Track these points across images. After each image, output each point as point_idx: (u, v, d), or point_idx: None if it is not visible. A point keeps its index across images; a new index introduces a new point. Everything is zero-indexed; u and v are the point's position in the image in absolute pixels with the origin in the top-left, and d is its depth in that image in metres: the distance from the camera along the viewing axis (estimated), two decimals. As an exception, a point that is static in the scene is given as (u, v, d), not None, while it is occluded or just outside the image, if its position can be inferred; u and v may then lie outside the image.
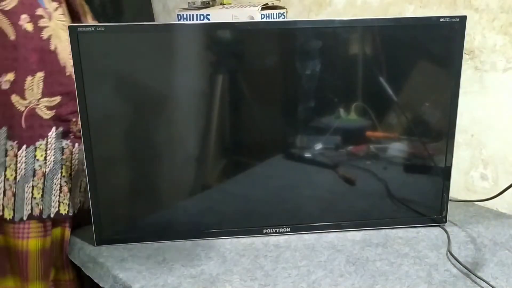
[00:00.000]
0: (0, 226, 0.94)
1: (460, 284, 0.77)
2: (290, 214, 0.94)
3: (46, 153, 0.92)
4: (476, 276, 0.79)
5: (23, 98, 0.90)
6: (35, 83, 0.90)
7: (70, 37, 0.81)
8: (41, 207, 0.92)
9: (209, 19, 1.27)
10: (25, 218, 0.92)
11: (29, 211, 0.92)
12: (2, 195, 0.92)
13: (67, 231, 0.96)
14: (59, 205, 0.94)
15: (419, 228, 0.96)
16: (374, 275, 0.80)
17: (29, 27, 0.89)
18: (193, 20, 1.27)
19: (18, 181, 0.91)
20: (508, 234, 0.94)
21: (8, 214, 0.92)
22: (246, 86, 0.89)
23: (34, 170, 0.92)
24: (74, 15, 1.03)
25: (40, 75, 0.90)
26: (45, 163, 0.92)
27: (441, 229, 0.95)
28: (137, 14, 1.95)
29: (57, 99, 0.92)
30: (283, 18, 1.31)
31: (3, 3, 0.88)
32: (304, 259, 0.86)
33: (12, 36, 0.88)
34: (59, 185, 0.94)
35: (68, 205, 0.95)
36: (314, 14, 1.34)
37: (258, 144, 0.93)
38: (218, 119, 0.90)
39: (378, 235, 0.94)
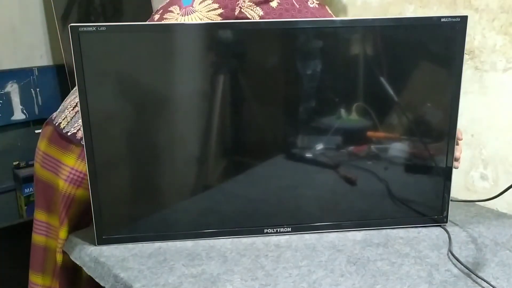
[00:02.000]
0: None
1: (461, 284, 0.78)
2: (291, 214, 0.94)
3: None
4: (477, 276, 0.79)
5: None
6: None
7: (71, 37, 0.81)
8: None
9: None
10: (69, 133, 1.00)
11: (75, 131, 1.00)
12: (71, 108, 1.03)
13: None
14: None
15: (420, 228, 0.96)
16: (375, 275, 0.81)
17: None
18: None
19: None
20: (509, 234, 0.94)
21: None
22: (247, 86, 0.89)
23: None
24: None
25: None
26: None
27: (442, 229, 0.95)
28: (137, 14, 1.95)
29: None
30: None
31: None
32: (305, 259, 0.86)
33: None
34: None
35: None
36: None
37: (259, 144, 0.93)
38: (219, 119, 0.90)
39: (379, 235, 0.94)
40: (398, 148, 0.94)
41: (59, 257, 1.00)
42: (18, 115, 1.87)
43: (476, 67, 1.09)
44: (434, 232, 0.95)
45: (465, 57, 0.92)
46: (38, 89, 1.91)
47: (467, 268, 0.81)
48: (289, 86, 0.91)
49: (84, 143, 0.87)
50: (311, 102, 0.91)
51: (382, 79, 0.90)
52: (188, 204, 0.93)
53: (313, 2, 1.02)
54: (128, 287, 0.79)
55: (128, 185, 0.93)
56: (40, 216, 1.06)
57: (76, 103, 1.02)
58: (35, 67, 1.89)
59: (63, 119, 1.02)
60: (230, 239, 0.92)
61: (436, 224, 0.97)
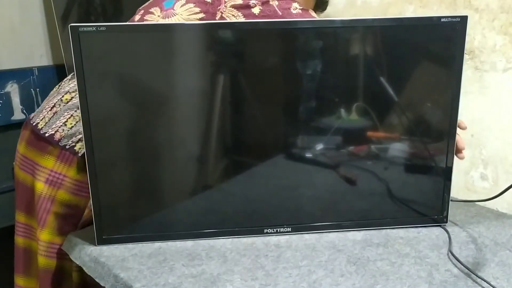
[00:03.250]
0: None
1: (461, 284, 0.77)
2: (291, 214, 0.94)
3: None
4: (477, 276, 0.79)
5: None
6: None
7: (71, 37, 0.81)
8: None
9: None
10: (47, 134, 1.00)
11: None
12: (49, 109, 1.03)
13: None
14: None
15: (420, 228, 0.96)
16: (375, 275, 0.81)
17: None
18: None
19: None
20: (509, 234, 0.94)
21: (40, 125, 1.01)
22: (247, 86, 0.89)
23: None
24: None
25: None
26: None
27: (442, 229, 0.95)
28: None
29: None
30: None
31: None
32: (305, 259, 0.86)
33: None
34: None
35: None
36: (314, 14, 1.34)
37: (259, 144, 0.93)
38: (219, 119, 0.90)
39: (379, 235, 0.94)
40: (398, 148, 0.94)
41: (40, 260, 1.00)
42: (18, 115, 1.87)
43: (476, 67, 1.09)
44: (434, 232, 0.95)
45: (465, 57, 0.92)
46: (38, 89, 1.90)
47: (467, 268, 0.81)
48: (289, 86, 0.91)
49: (84, 143, 0.87)
50: (311, 102, 0.91)
51: (382, 79, 0.90)
52: (188, 204, 0.93)
53: (296, 8, 1.02)
54: (128, 287, 0.79)
55: (128, 185, 0.93)
56: (20, 218, 1.06)
57: (54, 104, 1.02)
58: (35, 67, 1.89)
59: (41, 120, 1.01)
60: (230, 239, 0.92)
61: (436, 224, 0.97)
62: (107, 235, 0.91)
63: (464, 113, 1.05)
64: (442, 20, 0.87)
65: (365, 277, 0.80)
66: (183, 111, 0.90)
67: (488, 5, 1.04)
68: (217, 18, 1.01)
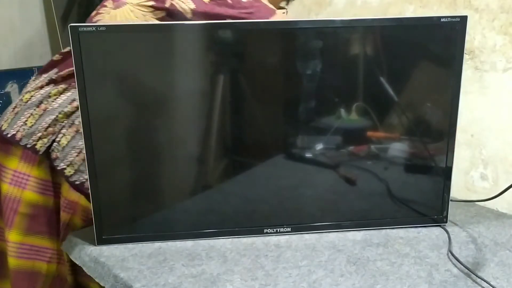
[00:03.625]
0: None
1: (460, 284, 0.77)
2: (291, 214, 0.94)
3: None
4: (477, 276, 0.79)
5: None
6: None
7: (71, 37, 0.81)
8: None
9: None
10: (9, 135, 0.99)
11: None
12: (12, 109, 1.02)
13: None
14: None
15: (420, 228, 0.96)
16: (375, 275, 0.81)
17: None
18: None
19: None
20: (509, 234, 0.94)
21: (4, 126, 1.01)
22: (247, 86, 0.89)
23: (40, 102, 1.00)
24: None
25: None
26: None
27: (442, 229, 0.95)
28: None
29: None
30: (283, 18, 1.31)
31: None
32: (305, 259, 0.86)
33: None
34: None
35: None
36: (314, 14, 1.34)
37: (259, 144, 0.93)
38: (219, 119, 0.90)
39: (378, 235, 0.94)
40: (398, 148, 0.94)
41: (11, 261, 0.99)
42: (18, 115, 1.87)
43: (476, 67, 1.09)
44: (434, 232, 0.95)
45: (465, 57, 0.92)
46: (38, 89, 1.90)
47: (467, 268, 0.81)
48: (289, 86, 0.91)
49: (84, 143, 0.87)
50: (311, 102, 0.91)
51: (382, 79, 0.90)
52: (188, 204, 0.93)
53: None
54: (128, 287, 0.79)
55: (128, 185, 0.93)
56: None
57: (16, 104, 1.02)
58: (35, 67, 1.89)
59: (5, 121, 1.01)
60: (230, 239, 0.92)
61: (436, 224, 0.97)
62: (107, 235, 0.91)
63: (464, 113, 1.05)
64: (442, 20, 0.87)
65: (365, 277, 0.80)
66: (183, 111, 0.90)
67: (488, 5, 1.04)
68: (167, 6, 1.00)
